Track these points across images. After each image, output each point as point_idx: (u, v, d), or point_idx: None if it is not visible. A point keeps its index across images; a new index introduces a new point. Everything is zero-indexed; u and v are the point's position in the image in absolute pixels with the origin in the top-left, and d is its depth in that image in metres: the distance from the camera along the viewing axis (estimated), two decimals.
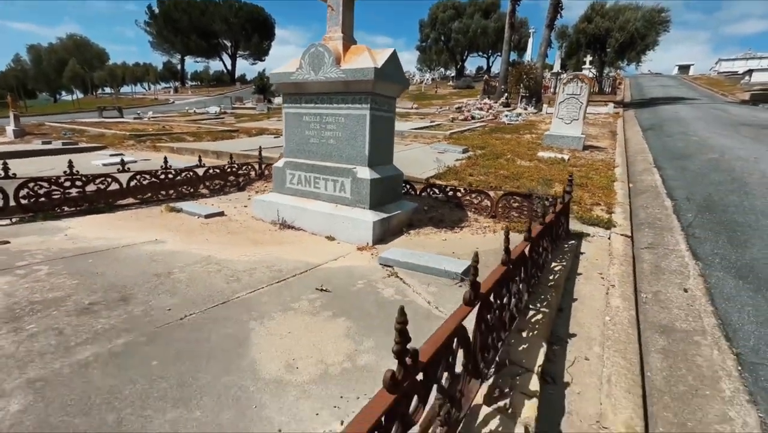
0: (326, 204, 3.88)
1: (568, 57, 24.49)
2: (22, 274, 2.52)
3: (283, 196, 4.18)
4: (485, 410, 1.41)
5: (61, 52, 46.95)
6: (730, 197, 5.39)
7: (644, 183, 6.57)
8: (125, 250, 3.10)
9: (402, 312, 0.88)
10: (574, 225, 4.32)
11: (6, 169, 3.55)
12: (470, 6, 42.78)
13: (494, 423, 1.35)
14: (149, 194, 4.76)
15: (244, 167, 5.98)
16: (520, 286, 2.01)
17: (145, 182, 4.64)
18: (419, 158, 7.77)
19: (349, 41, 3.77)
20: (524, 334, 1.95)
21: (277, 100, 33.68)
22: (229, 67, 62.85)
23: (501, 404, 1.43)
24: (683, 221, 4.70)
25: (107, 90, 54.52)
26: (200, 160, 5.40)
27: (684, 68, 57.55)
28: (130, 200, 4.65)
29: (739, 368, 2.35)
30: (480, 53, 49.89)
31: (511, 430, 1.32)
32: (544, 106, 16.32)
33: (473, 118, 15.02)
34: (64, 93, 57.39)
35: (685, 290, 3.22)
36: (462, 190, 4.53)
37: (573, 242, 3.86)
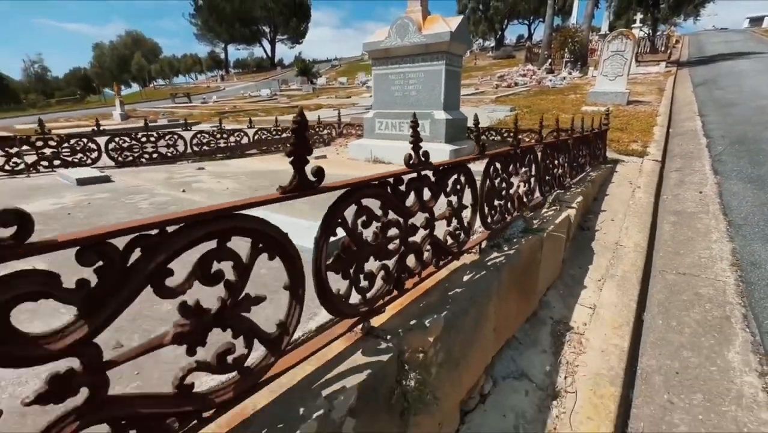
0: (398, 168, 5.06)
1: (617, 17, 23.54)
2: (236, 178, 3.96)
3: (373, 140, 5.42)
4: (545, 210, 2.53)
5: (120, 49, 51.57)
6: (764, 134, 5.95)
7: (684, 128, 7.15)
8: (282, 171, 4.50)
9: None
10: (612, 155, 5.21)
11: (186, 122, 5.09)
12: None
13: (551, 213, 2.47)
14: (265, 147, 6.22)
15: (327, 128, 7.32)
16: (565, 165, 3.06)
17: (263, 137, 6.09)
18: (471, 116, 8.74)
19: (426, 12, 4.84)
20: (567, 195, 3.03)
21: (320, 80, 35.24)
22: (269, 52, 65.06)
23: (555, 207, 2.55)
24: (713, 152, 5.41)
25: (160, 81, 58.31)
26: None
27: (756, 20, 51.96)
28: (254, 151, 6.13)
29: (728, 227, 3.29)
30: (521, 20, 48.08)
31: (560, 214, 2.44)
32: (590, 69, 16.34)
33: (516, 84, 15.48)
34: (123, 87, 62.23)
35: (700, 192, 4.10)
36: (515, 130, 5.52)
37: (610, 165, 4.80)
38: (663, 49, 21.64)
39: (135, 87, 58.90)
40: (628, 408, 1.76)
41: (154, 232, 0.61)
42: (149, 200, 3.02)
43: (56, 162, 4.13)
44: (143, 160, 4.79)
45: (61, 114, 20.89)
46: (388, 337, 1.03)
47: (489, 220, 1.82)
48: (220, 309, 0.71)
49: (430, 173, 1.27)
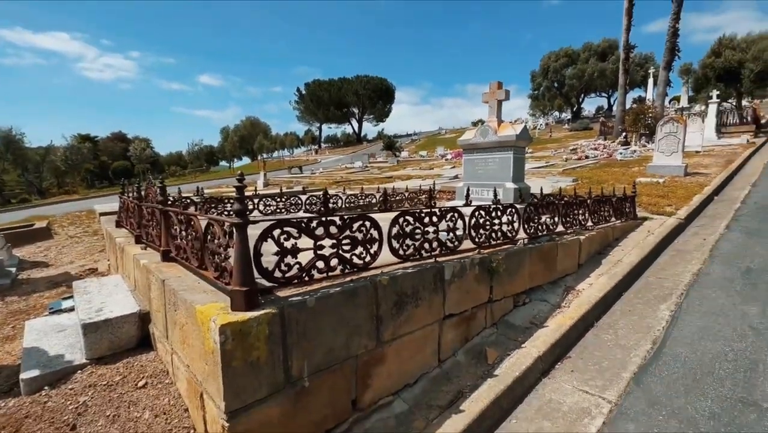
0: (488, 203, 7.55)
1: (697, 91, 24.33)
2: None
3: (462, 201, 8.01)
4: (566, 235, 4.70)
5: (242, 131, 65.32)
6: None
7: (729, 196, 8.40)
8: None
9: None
10: (644, 214, 6.88)
11: (344, 190, 8.28)
12: (584, 52, 44.40)
13: (568, 237, 4.64)
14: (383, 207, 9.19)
15: (425, 194, 10.18)
16: (585, 214, 5.18)
17: (396, 197, 9.09)
18: (537, 186, 10.97)
19: (500, 120, 7.56)
20: (586, 232, 5.12)
21: (404, 154, 40.33)
22: (356, 129, 75.00)
23: (573, 235, 4.70)
24: (737, 214, 6.85)
25: (265, 155, 69.49)
26: (407, 188, 9.86)
27: None
28: (375, 209, 9.10)
29: (707, 258, 4.97)
30: (598, 93, 49.83)
31: (573, 237, 4.59)
32: None
33: (587, 157, 17.23)
34: (236, 159, 75.31)
35: (704, 239, 5.70)
36: (567, 197, 7.66)
37: (639, 221, 6.58)
38: (751, 120, 21.79)
39: (245, 160, 71.02)
40: (596, 319, 3.75)
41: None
42: None
43: (283, 210, 7.43)
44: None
45: (213, 182, 27.62)
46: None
47: (530, 231, 4.11)
48: (362, 239, 2.38)
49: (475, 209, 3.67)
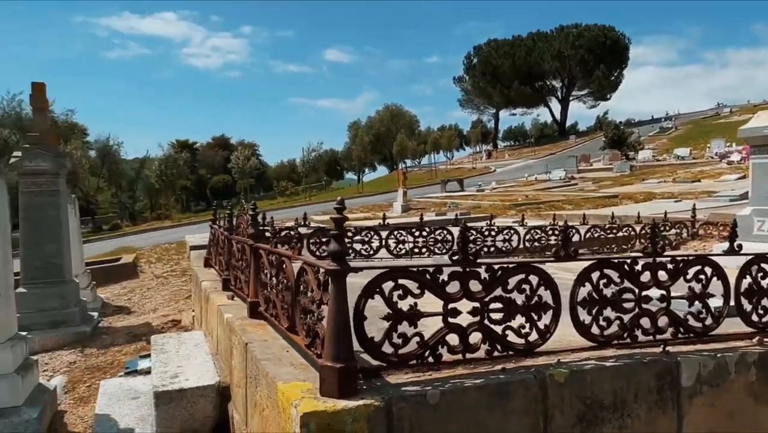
0: None
1: None
2: None
3: (748, 243, 7.01)
4: None
5: (377, 126, 71.39)
6: None
7: None
8: None
9: None
10: None
11: (523, 219, 8.38)
12: None
13: None
14: (596, 247, 8.80)
15: (676, 226, 9.36)
16: None
17: (596, 235, 8.74)
18: None
19: None
20: None
21: (644, 154, 37.60)
22: (558, 115, 73.02)
23: None
24: None
25: (408, 163, 73.41)
26: (638, 216, 9.29)
27: None
28: (584, 250, 8.80)
29: None
30: None
31: None
32: None
33: None
34: (366, 170, 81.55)
35: None
36: None
37: None
38: None
39: (381, 170, 76.79)
40: None
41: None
42: None
43: (423, 249, 7.94)
44: (483, 252, 8.16)
45: (332, 204, 30.82)
46: None
47: None
48: (524, 303, 2.40)
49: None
